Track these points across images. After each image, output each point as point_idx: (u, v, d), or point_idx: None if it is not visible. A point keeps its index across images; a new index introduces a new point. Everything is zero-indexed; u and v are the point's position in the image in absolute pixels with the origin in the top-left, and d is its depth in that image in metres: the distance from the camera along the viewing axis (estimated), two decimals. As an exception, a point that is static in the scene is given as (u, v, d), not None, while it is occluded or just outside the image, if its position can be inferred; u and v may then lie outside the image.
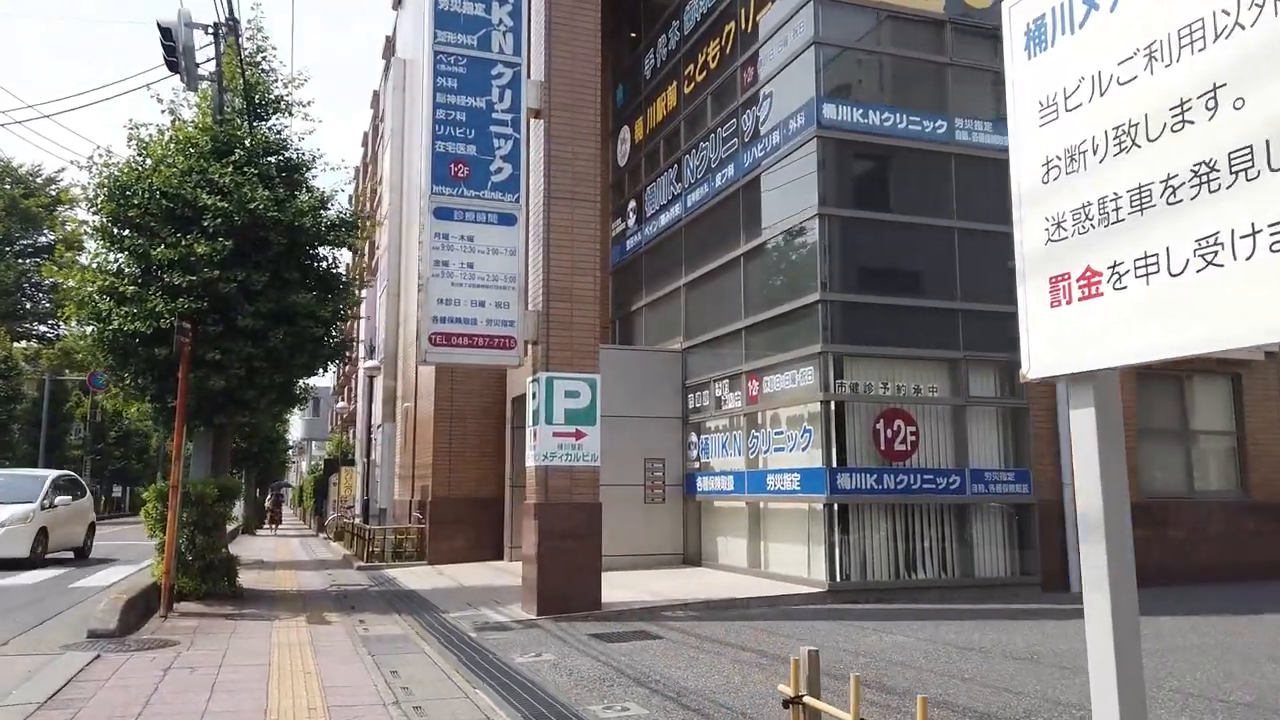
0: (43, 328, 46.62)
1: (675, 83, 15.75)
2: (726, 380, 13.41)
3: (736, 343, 13.12)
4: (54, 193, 43.02)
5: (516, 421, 16.72)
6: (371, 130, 41.99)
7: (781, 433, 11.99)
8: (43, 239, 43.25)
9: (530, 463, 10.17)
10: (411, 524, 17.70)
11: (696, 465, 14.29)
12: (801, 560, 11.46)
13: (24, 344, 44.66)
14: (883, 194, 11.77)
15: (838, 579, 10.70)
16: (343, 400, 35.55)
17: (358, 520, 20.75)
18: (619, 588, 10.92)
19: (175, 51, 10.46)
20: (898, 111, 11.74)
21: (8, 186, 41.15)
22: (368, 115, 43.86)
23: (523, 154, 10.49)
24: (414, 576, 14.20)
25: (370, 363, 22.09)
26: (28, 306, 44.80)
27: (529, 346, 10.37)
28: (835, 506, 10.79)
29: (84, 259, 11.52)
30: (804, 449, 11.39)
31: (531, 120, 10.64)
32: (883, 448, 11.11)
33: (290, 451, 49.14)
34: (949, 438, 11.56)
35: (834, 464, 10.81)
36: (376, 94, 41.74)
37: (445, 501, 16.79)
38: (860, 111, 11.59)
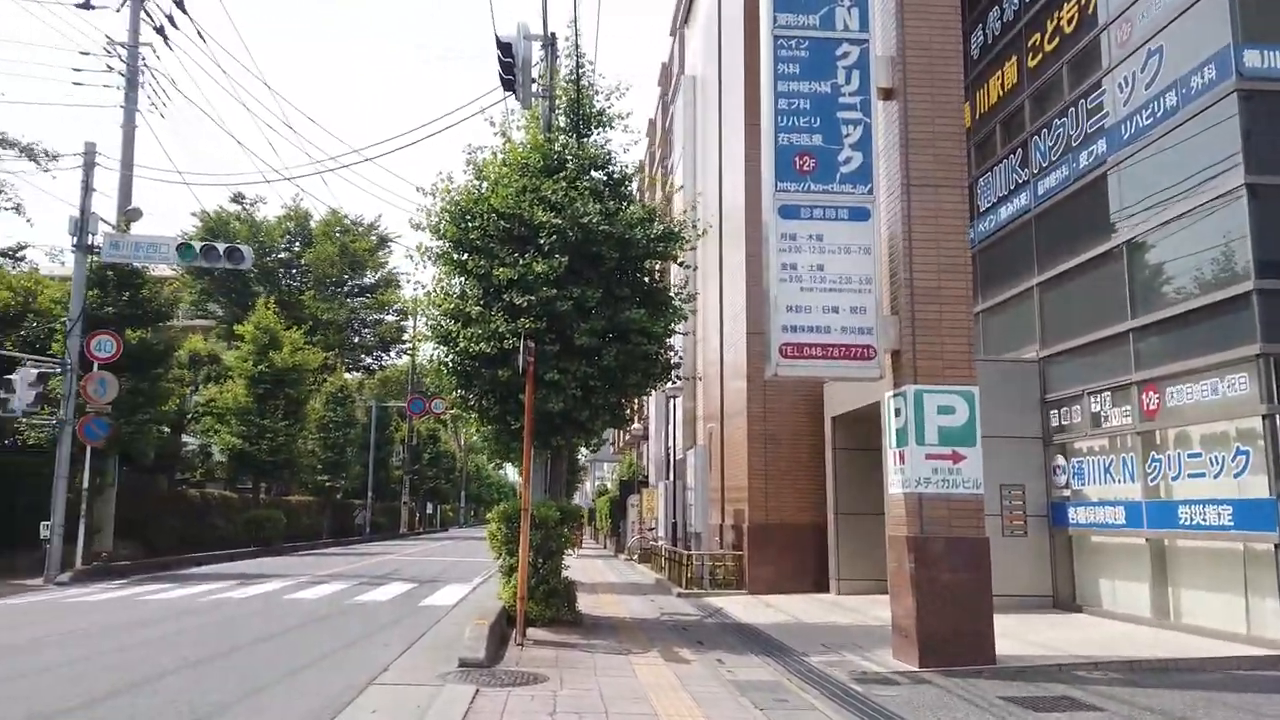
0: (367, 359, 51.86)
1: (1015, 57, 13.87)
2: (1108, 393, 11.31)
3: (1121, 348, 11.02)
4: (374, 237, 47.81)
5: (837, 443, 15.45)
6: (648, 158, 42.62)
7: (1198, 455, 9.78)
8: (366, 280, 48.13)
9: (896, 490, 8.88)
10: (725, 550, 16.92)
11: (1066, 493, 12.22)
12: (1237, 613, 9.20)
13: (352, 375, 49.90)
14: (1332, 153, 9.30)
15: (1301, 641, 8.40)
16: (637, 422, 36.02)
17: (664, 543, 20.36)
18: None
19: (512, 69, 10.38)
20: (1347, 48, 9.28)
21: (338, 234, 46.19)
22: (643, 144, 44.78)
23: (873, 140, 9.32)
24: (741, 607, 13.30)
25: (671, 385, 21.82)
26: (355, 341, 50.01)
27: (888, 356, 9.13)
28: (1292, 548, 8.51)
29: (410, 288, 11.80)
30: (1236, 475, 9.16)
31: (881, 102, 9.46)
32: (1356, 474, 8.66)
33: (580, 472, 51.03)
34: None
35: (1285, 494, 8.55)
36: (651, 122, 42.45)
37: (762, 528, 15.83)
38: (1295, 53, 9.28)
